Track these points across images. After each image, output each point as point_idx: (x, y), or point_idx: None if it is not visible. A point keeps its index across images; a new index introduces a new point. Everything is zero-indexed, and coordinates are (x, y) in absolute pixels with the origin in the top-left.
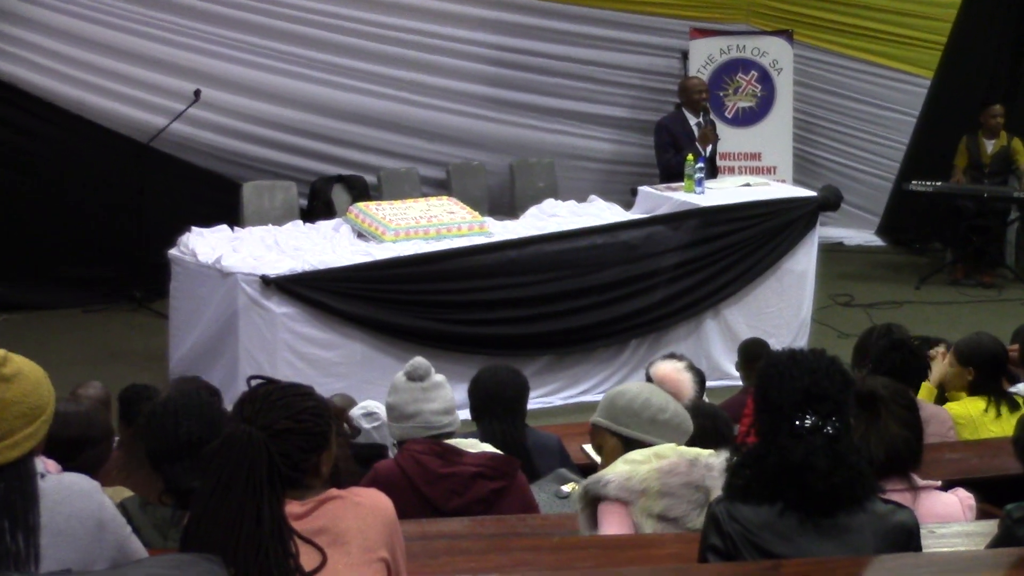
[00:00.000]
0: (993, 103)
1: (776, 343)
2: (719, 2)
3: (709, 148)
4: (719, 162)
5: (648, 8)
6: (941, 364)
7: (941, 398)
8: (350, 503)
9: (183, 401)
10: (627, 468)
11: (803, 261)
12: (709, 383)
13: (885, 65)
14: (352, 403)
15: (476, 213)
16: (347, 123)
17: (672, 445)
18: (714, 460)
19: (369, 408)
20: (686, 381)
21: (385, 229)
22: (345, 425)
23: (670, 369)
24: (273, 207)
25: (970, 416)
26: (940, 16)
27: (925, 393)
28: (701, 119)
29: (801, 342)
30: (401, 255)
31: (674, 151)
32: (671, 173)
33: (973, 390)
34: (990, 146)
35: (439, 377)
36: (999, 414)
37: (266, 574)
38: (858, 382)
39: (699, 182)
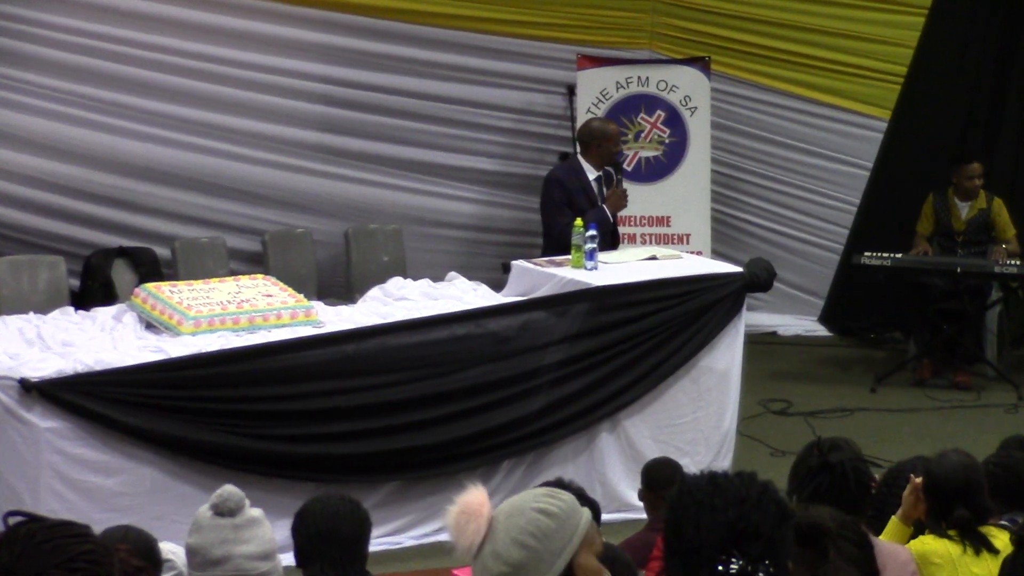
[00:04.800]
0: (970, 160)
1: (691, 464)
2: (614, 22)
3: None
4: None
5: (523, 30)
6: (911, 496)
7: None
8: None
9: None
10: None
11: (726, 357)
12: (605, 516)
13: (829, 103)
14: (151, 546)
15: (301, 296)
16: (131, 179)
17: None
18: None
19: (163, 553)
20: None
21: (182, 318)
22: None
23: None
24: (35, 290)
25: (949, 554)
26: (899, 40)
27: (894, 530)
28: (602, 174)
29: (724, 463)
30: (203, 352)
31: (570, 213)
32: (564, 243)
33: (937, 524)
34: (964, 209)
35: (255, 511)
36: (978, 552)
37: None
38: (798, 514)
39: (590, 255)
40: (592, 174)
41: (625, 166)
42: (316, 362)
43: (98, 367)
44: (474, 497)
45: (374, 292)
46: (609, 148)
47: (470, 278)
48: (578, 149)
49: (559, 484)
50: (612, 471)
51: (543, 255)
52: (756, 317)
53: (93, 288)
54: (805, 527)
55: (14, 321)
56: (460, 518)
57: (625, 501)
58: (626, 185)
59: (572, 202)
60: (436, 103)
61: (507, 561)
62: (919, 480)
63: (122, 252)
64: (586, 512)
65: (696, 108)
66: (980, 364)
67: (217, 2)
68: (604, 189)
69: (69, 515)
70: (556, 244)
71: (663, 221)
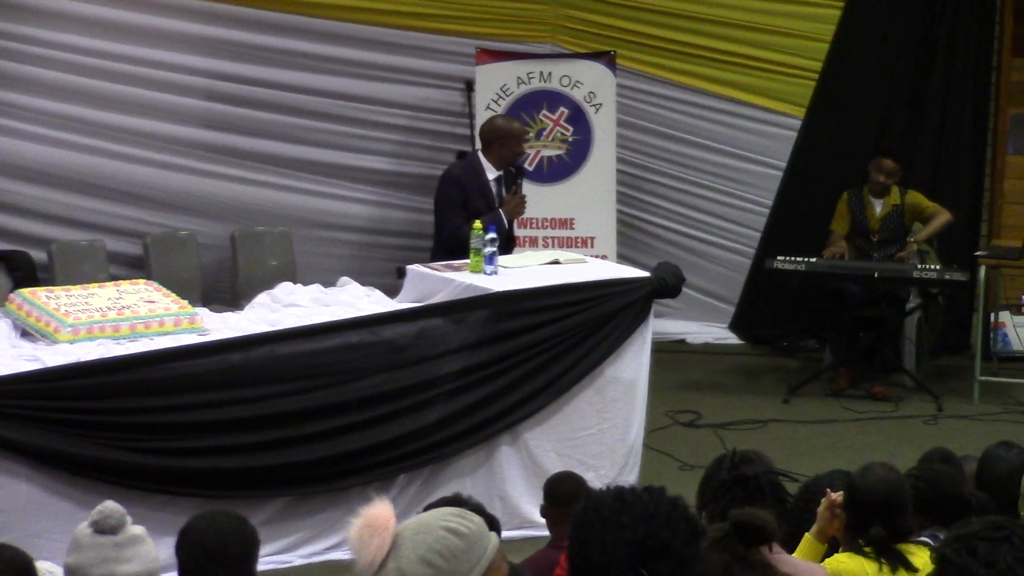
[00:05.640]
0: (886, 153)
1: (596, 478)
2: (515, 14)
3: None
4: (516, 230)
5: (418, 23)
6: (826, 511)
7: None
8: None
9: None
10: None
11: (632, 366)
12: (506, 533)
13: (740, 100)
14: (27, 565)
15: (185, 303)
16: (3, 179)
17: None
18: None
19: (40, 572)
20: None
21: (59, 325)
22: None
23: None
24: None
25: (865, 573)
26: (813, 34)
27: (807, 548)
28: (503, 173)
29: (630, 477)
30: (82, 361)
31: (464, 215)
32: (454, 245)
33: (854, 540)
34: (879, 206)
35: (137, 529)
36: (895, 570)
37: None
38: (709, 532)
39: (489, 259)
40: (492, 173)
41: (527, 166)
42: (201, 372)
43: None
44: (379, 511)
45: (262, 298)
46: (512, 147)
47: (363, 283)
48: (479, 146)
49: (456, 500)
50: (513, 486)
51: (432, 256)
52: (664, 324)
53: None
54: (752, 527)
55: None
56: (364, 531)
57: (526, 517)
58: (527, 185)
59: (468, 203)
60: (327, 99)
61: None
62: (836, 495)
63: None
64: (494, 537)
65: (601, 105)
66: (898, 374)
67: None
68: (503, 190)
69: None
70: (446, 245)
71: (566, 223)
